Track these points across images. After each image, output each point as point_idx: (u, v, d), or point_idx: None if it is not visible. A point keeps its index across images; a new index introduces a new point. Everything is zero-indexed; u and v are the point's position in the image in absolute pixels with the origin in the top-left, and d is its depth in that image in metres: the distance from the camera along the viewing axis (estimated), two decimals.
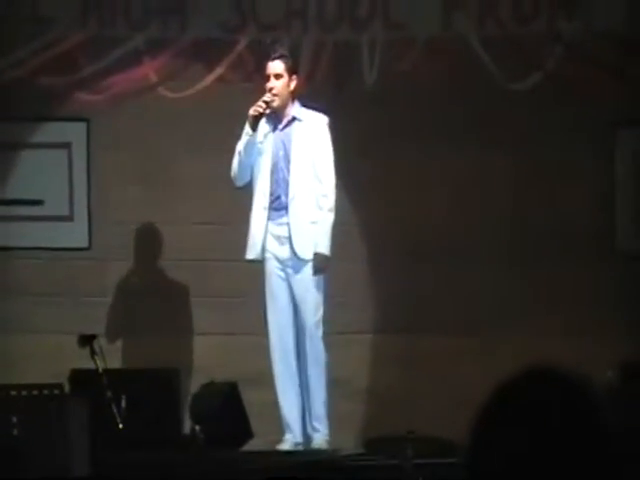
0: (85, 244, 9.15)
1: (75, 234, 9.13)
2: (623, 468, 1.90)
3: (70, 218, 9.15)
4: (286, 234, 7.77)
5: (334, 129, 7.90)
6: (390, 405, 8.42)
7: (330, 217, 7.77)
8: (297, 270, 7.79)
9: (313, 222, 7.75)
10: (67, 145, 9.17)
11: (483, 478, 1.87)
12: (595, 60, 8.41)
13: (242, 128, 7.82)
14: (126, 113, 8.90)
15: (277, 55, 7.84)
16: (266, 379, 7.91)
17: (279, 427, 7.89)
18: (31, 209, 9.08)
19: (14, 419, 6.85)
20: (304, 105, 7.88)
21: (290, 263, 7.80)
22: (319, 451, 7.73)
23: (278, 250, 7.80)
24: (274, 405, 7.87)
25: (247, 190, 7.90)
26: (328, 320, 7.94)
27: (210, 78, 8.62)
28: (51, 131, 9.14)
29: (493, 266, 8.73)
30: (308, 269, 7.76)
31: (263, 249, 7.80)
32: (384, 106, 8.65)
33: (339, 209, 8.05)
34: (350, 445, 8.01)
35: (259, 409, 7.92)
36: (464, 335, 8.59)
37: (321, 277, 7.80)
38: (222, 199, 8.51)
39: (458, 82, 8.49)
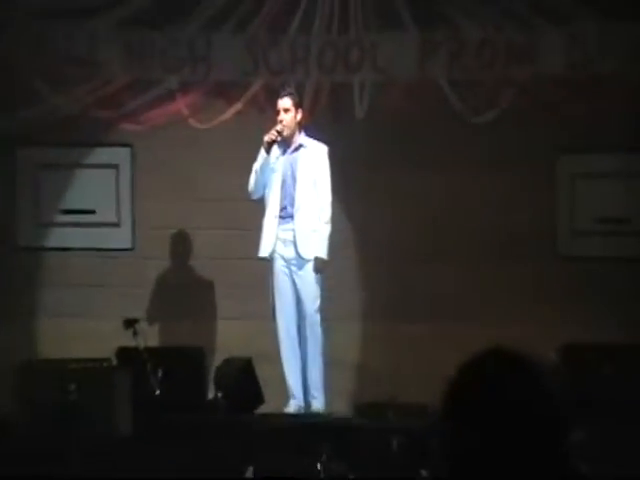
0: (129, 245, 9.14)
1: (121, 237, 9.12)
2: (566, 430, 1.89)
3: (117, 224, 9.14)
4: (292, 238, 7.77)
5: (331, 153, 7.91)
6: (376, 378, 8.40)
7: (327, 227, 7.77)
8: (300, 268, 7.78)
9: (314, 230, 7.75)
10: (115, 166, 9.17)
11: (451, 437, 1.86)
12: (540, 99, 8.40)
13: (256, 152, 7.81)
14: (162, 140, 8.89)
15: (286, 93, 7.84)
16: (275, 356, 7.90)
17: (285, 395, 7.88)
18: (85, 217, 9.09)
19: (72, 386, 6.85)
20: (309, 135, 7.89)
21: (294, 262, 7.78)
22: (317, 414, 7.72)
23: (285, 251, 7.79)
24: (281, 377, 7.86)
25: (259, 202, 7.89)
26: (326, 309, 7.94)
27: (230, 112, 8.60)
28: (102, 155, 9.14)
29: (461, 266, 8.71)
30: (309, 267, 7.76)
31: (273, 250, 7.80)
32: (372, 135, 8.65)
33: (336, 217, 8.06)
34: (343, 409, 8.01)
35: (269, 380, 7.90)
36: (437, 321, 8.58)
37: (319, 275, 7.80)
38: (239, 209, 8.50)
39: (431, 116, 8.48)
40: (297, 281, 7.79)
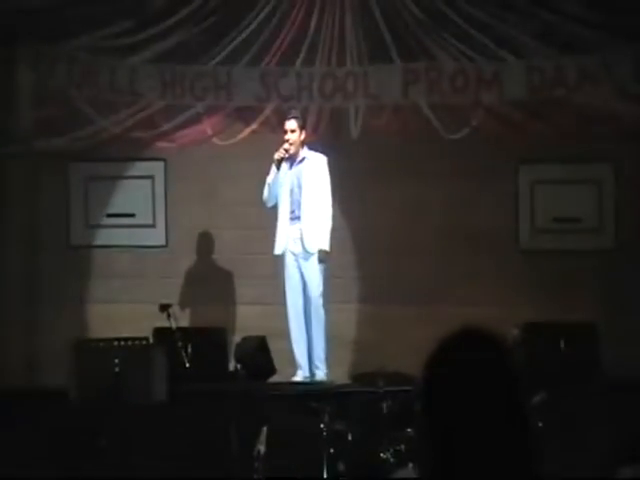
0: (163, 243, 9.12)
1: (156, 237, 9.09)
2: (526, 395, 1.87)
3: (153, 226, 9.12)
4: (299, 236, 7.74)
5: (332, 166, 7.89)
6: (368, 351, 8.37)
7: (329, 224, 7.75)
8: (306, 260, 7.76)
9: (317, 227, 7.73)
10: (151, 177, 9.14)
11: (431, 403, 1.84)
12: (504, 119, 8.38)
13: (268, 165, 7.80)
14: (191, 155, 8.87)
15: (292, 116, 7.82)
16: (285, 334, 7.88)
17: (293, 366, 7.86)
18: (126, 220, 9.06)
19: (116, 361, 6.82)
20: (310, 148, 7.86)
21: (302, 255, 7.76)
22: (320, 382, 7.69)
23: (294, 247, 7.77)
24: (290, 352, 7.84)
25: (270, 209, 7.88)
26: (328, 294, 7.92)
27: (247, 131, 8.57)
28: (140, 168, 9.12)
29: (439, 258, 8.69)
30: (314, 259, 7.74)
31: (285, 247, 7.77)
32: (365, 151, 8.62)
33: (336, 219, 8.04)
34: (342, 378, 7.98)
35: (280, 354, 7.87)
36: (418, 303, 8.56)
37: (322, 265, 7.78)
38: (255, 213, 8.47)
39: (414, 134, 8.45)
40: (304, 271, 7.77)
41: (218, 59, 8.40)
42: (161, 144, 8.74)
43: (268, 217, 7.91)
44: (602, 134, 8.16)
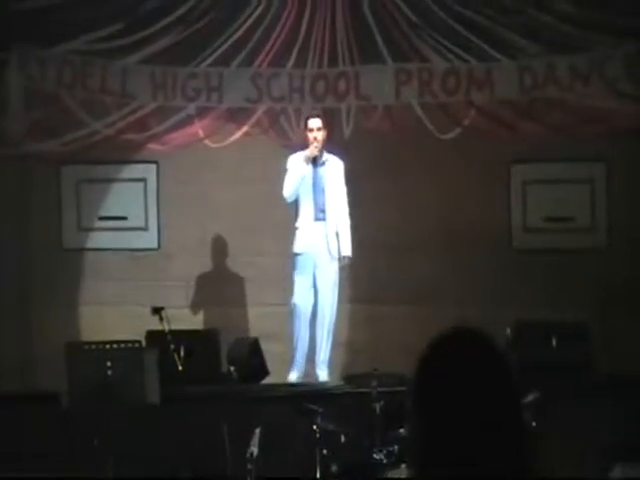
0: (155, 246, 9.08)
1: (148, 239, 9.06)
2: (518, 393, 1.85)
3: (145, 229, 9.09)
4: (324, 237, 7.68)
5: None
6: (361, 352, 8.36)
7: (348, 227, 7.70)
8: (326, 263, 7.70)
9: (339, 232, 7.68)
10: (143, 179, 9.11)
11: (423, 403, 1.82)
12: (496, 118, 8.37)
13: (261, 167, 7.80)
14: (183, 157, 8.84)
15: (316, 113, 7.81)
16: (277, 336, 7.86)
17: (286, 368, 7.83)
18: (118, 223, 9.04)
19: (108, 363, 6.79)
20: (326, 148, 7.81)
21: (323, 257, 7.69)
22: (313, 383, 7.67)
23: (316, 247, 7.68)
24: (282, 353, 7.81)
25: (265, 207, 7.84)
26: None
27: (239, 133, 8.55)
28: (132, 170, 9.09)
29: (431, 258, 8.68)
30: (335, 264, 7.69)
31: (306, 246, 7.70)
32: (356, 150, 8.60)
33: None
34: (335, 379, 7.96)
35: (272, 356, 7.85)
36: (411, 304, 8.54)
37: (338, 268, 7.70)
38: (247, 215, 8.45)
39: (406, 134, 8.43)
40: (321, 274, 7.71)
41: (210, 61, 8.37)
42: (153, 146, 8.71)
43: (261, 219, 7.90)
44: (594, 133, 8.15)
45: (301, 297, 7.70)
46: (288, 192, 7.72)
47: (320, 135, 7.68)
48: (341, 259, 7.69)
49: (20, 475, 6.26)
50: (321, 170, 7.77)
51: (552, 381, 6.77)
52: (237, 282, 8.83)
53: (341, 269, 7.81)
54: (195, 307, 8.84)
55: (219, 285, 8.93)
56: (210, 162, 8.83)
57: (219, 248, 8.93)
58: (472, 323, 1.88)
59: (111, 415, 6.51)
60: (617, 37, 7.90)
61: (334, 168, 7.79)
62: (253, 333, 8.08)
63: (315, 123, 7.71)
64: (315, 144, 7.63)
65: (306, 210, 7.72)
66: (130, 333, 7.53)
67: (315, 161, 7.73)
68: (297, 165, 7.69)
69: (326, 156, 7.80)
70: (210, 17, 8.34)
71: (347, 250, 7.71)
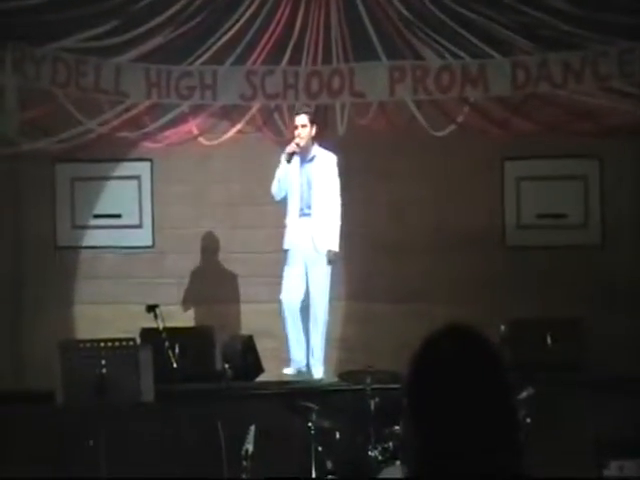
0: (150, 244, 9.08)
1: (143, 237, 9.06)
2: (512, 393, 1.85)
3: (139, 226, 9.09)
4: (309, 233, 7.66)
5: None
6: (355, 349, 8.36)
7: (338, 224, 7.67)
8: (314, 259, 7.68)
9: (327, 227, 7.64)
10: (137, 177, 9.11)
11: (417, 400, 1.82)
12: (490, 116, 8.37)
13: (255, 164, 7.79)
14: (177, 155, 8.83)
15: (302, 111, 7.78)
16: (272, 332, 7.85)
17: (281, 365, 7.82)
18: (113, 220, 9.02)
19: (103, 361, 6.77)
20: (321, 145, 7.80)
21: (309, 253, 7.67)
22: (308, 380, 7.66)
23: (303, 244, 7.67)
24: (277, 350, 7.81)
25: (259, 204, 7.83)
26: None
27: (233, 131, 8.54)
28: (126, 168, 9.08)
29: (424, 256, 8.68)
30: (322, 259, 7.66)
31: (293, 243, 7.69)
32: (350, 147, 8.60)
33: None
34: (329, 376, 7.95)
35: (267, 353, 7.85)
36: (405, 301, 8.55)
37: (329, 266, 7.67)
38: (241, 212, 8.45)
39: (400, 131, 8.43)
40: (309, 270, 7.68)
41: (204, 58, 8.35)
42: (147, 144, 8.70)
43: (254, 217, 7.89)
44: (587, 130, 8.16)
45: (287, 293, 7.69)
46: (274, 189, 7.73)
47: (304, 132, 7.65)
48: (328, 254, 7.63)
49: (14, 477, 6.23)
50: (309, 166, 7.74)
51: (546, 378, 6.78)
52: (231, 279, 8.83)
53: (333, 265, 7.77)
54: (189, 304, 8.84)
55: (213, 282, 8.92)
56: (204, 160, 8.83)
57: (213, 245, 8.92)
58: (466, 321, 1.88)
59: (106, 414, 6.49)
60: (610, 34, 7.90)
61: (324, 163, 7.74)
62: (247, 330, 8.07)
63: (299, 120, 7.69)
64: (297, 140, 7.61)
65: (293, 207, 7.71)
66: (125, 331, 7.52)
67: (302, 159, 7.69)
68: (282, 162, 7.70)
69: (316, 151, 7.75)
70: (204, 14, 8.32)
71: (334, 245, 7.64)
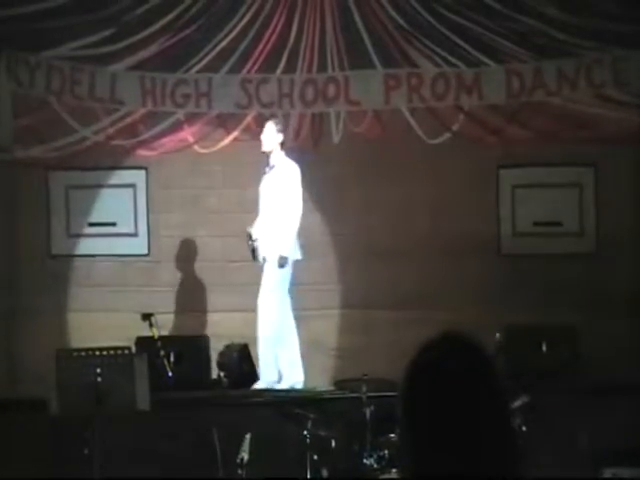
0: (145, 252, 9.07)
1: (138, 245, 9.05)
2: (507, 400, 1.85)
3: (135, 234, 9.07)
4: (263, 242, 7.64)
5: (313, 171, 7.86)
6: (351, 357, 8.35)
7: (291, 231, 7.57)
8: (267, 265, 7.63)
9: (278, 233, 7.58)
10: (133, 185, 9.10)
11: (413, 408, 1.82)
12: (485, 124, 8.39)
13: (250, 172, 7.77)
14: (172, 163, 8.83)
15: (269, 120, 7.83)
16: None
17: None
18: (108, 229, 9.01)
19: (98, 370, 6.76)
20: (289, 156, 7.81)
21: (265, 260, 7.65)
22: (303, 389, 7.65)
23: (263, 252, 7.68)
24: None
25: (254, 212, 7.83)
26: (310, 300, 7.88)
27: (229, 139, 8.55)
28: (121, 176, 9.07)
29: (420, 263, 8.68)
30: (270, 265, 7.60)
31: (261, 253, 7.68)
32: (346, 155, 8.62)
33: (318, 224, 8.00)
34: (324, 384, 7.95)
35: None
36: (402, 309, 8.54)
37: (282, 270, 7.58)
38: (235, 220, 8.44)
39: (395, 139, 8.44)
40: (264, 275, 7.67)
41: (199, 67, 8.37)
42: (142, 152, 8.70)
43: (248, 225, 7.88)
44: (582, 138, 8.18)
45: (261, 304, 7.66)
46: None
47: (265, 139, 7.69)
48: (278, 259, 7.56)
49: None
50: (269, 176, 7.75)
51: (541, 385, 6.79)
52: (227, 288, 8.82)
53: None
54: (185, 313, 8.83)
55: (209, 291, 8.92)
56: (200, 168, 8.83)
57: (209, 254, 8.92)
58: (462, 328, 1.89)
59: (101, 422, 6.49)
60: (605, 42, 7.93)
61: (282, 172, 7.71)
62: (243, 339, 8.06)
63: (265, 126, 7.73)
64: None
65: (260, 217, 7.74)
66: (120, 339, 7.51)
67: (268, 168, 7.74)
68: None
69: (276, 161, 7.75)
70: (199, 23, 8.34)
71: (283, 250, 7.55)
